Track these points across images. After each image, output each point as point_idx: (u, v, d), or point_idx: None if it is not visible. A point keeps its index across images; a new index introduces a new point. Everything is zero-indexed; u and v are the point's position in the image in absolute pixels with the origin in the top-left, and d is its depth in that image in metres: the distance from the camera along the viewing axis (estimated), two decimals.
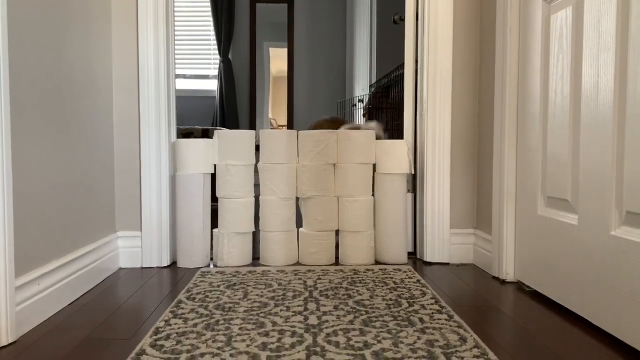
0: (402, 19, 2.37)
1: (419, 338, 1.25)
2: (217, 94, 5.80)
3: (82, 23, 1.74)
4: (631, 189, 1.21)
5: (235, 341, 1.23)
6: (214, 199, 2.11)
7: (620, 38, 1.25)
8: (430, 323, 1.35)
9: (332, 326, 1.33)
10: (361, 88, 5.16)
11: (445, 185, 2.12)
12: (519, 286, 1.78)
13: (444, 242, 2.12)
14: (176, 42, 2.30)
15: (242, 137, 2.08)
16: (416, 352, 1.17)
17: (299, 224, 2.13)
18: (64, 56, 1.61)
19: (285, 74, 6.06)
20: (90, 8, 1.83)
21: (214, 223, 2.13)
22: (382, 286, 1.71)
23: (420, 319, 1.38)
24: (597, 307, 1.34)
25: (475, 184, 2.16)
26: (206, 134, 3.54)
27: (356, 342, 1.22)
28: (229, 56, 5.82)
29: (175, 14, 2.24)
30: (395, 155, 2.08)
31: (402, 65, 2.47)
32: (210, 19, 5.75)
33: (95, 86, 1.87)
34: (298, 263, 2.09)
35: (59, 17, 1.58)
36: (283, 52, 6.04)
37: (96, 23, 1.88)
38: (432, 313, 1.43)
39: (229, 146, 2.06)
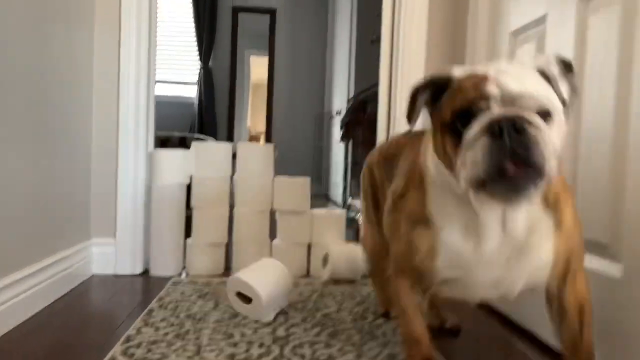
0: (379, 40, 2.44)
1: (381, 351, 1.31)
2: (196, 101, 5.81)
3: (63, 24, 1.76)
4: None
5: (205, 351, 1.27)
6: (189, 208, 2.14)
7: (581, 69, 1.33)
8: (393, 336, 1.41)
9: (299, 338, 1.38)
10: (340, 100, 5.24)
11: None
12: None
13: None
14: (157, 48, 2.32)
15: (218, 150, 2.12)
16: None
17: (273, 236, 2.17)
18: (42, 57, 1.62)
19: (265, 82, 6.11)
20: (73, 12, 1.85)
21: (188, 233, 2.16)
22: (350, 300, 1.76)
23: (383, 333, 1.44)
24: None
25: None
26: (183, 141, 3.55)
27: (321, 354, 1.27)
28: (210, 64, 5.84)
29: (157, 20, 2.27)
30: None
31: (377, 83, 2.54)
32: (192, 25, 5.76)
33: (75, 92, 1.89)
34: None
35: (41, 19, 1.60)
36: (264, 60, 6.10)
37: (78, 26, 1.90)
38: (395, 327, 1.49)
39: (206, 158, 2.10)
